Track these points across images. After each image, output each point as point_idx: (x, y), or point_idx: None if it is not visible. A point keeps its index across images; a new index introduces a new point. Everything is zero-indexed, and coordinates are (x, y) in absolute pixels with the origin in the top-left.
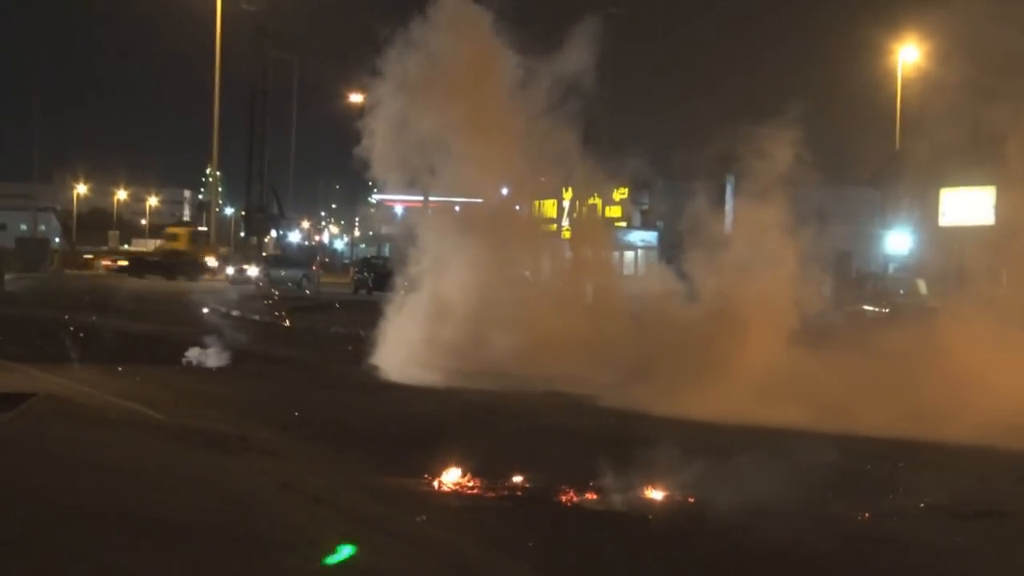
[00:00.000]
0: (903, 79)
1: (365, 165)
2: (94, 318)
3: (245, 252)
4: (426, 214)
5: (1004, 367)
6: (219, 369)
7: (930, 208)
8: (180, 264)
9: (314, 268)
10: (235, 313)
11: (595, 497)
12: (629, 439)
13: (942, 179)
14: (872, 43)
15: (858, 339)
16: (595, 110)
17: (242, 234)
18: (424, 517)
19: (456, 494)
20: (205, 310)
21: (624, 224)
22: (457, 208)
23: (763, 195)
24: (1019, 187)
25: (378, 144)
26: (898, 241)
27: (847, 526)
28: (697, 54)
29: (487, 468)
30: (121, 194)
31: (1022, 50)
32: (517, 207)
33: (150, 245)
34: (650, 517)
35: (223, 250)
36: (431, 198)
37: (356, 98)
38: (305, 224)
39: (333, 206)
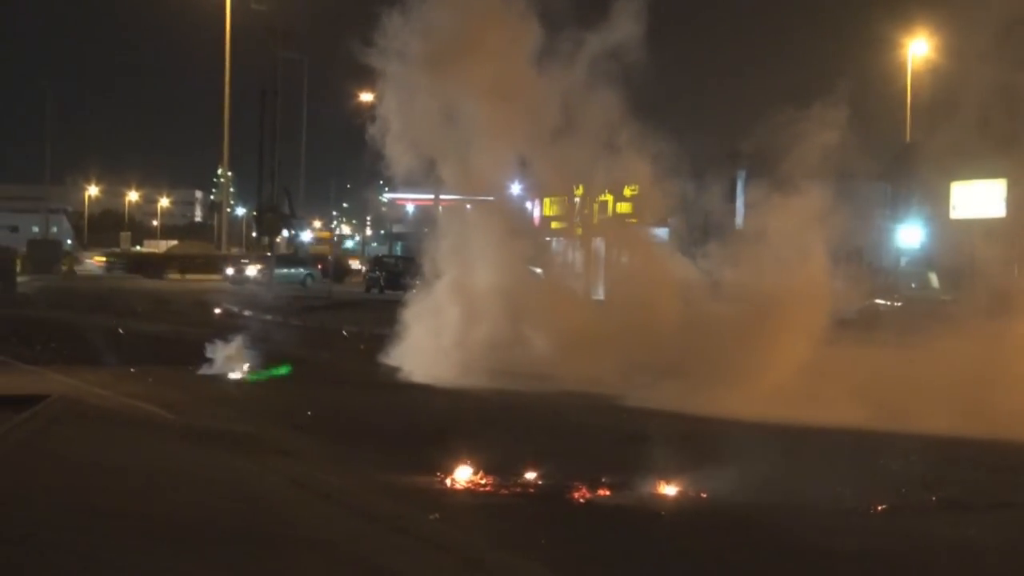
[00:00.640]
0: (912, 72)
1: (379, 155)
2: (106, 319)
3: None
4: (451, 212)
5: None
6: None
7: (941, 202)
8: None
9: (319, 267)
10: (247, 313)
11: (608, 493)
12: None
13: (953, 172)
14: (882, 37)
15: (885, 333)
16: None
17: (254, 234)
18: (438, 515)
19: (470, 492)
20: (217, 311)
21: (635, 220)
22: (468, 206)
23: (782, 190)
24: None
25: (395, 124)
26: (909, 235)
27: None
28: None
29: (501, 466)
30: (133, 195)
31: None
32: (528, 204)
33: (162, 246)
34: (663, 513)
35: (234, 250)
36: (442, 196)
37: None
38: (317, 223)
39: (344, 205)
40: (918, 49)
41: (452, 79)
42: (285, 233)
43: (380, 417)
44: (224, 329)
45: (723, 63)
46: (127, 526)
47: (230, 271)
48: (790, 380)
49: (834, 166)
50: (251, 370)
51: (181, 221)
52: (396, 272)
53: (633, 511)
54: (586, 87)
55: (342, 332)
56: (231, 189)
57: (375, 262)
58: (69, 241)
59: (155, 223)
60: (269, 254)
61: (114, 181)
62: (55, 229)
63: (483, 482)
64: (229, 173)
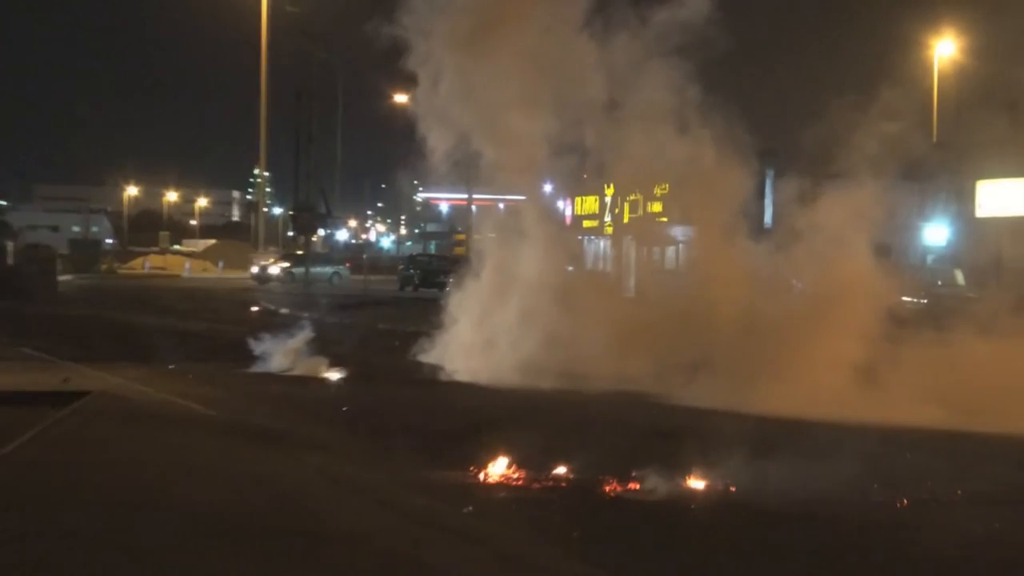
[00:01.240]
0: (939, 72)
1: (416, 150)
2: (145, 317)
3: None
4: (493, 212)
5: None
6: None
7: (967, 200)
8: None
9: (347, 265)
10: (282, 311)
11: (638, 487)
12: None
13: (979, 171)
14: (908, 37)
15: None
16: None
17: (290, 233)
18: (471, 508)
19: (503, 486)
20: (254, 308)
21: (665, 219)
22: (501, 206)
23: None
24: None
25: (433, 107)
26: (936, 233)
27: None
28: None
29: (535, 461)
30: (171, 195)
31: None
32: (560, 203)
33: (200, 245)
34: (693, 507)
35: (271, 249)
36: (475, 196)
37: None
38: (352, 223)
39: (379, 205)
40: (945, 49)
41: (490, 53)
42: (321, 232)
43: (415, 413)
44: (260, 327)
45: (751, 62)
46: (166, 520)
47: (255, 269)
48: (832, 377)
49: (878, 164)
50: (288, 367)
51: (219, 221)
52: (430, 270)
53: (665, 506)
54: (639, 62)
55: (378, 328)
56: (268, 189)
57: (410, 260)
58: (109, 240)
59: (193, 222)
60: (300, 252)
61: (153, 182)
62: (96, 229)
63: (516, 476)
64: (266, 173)
